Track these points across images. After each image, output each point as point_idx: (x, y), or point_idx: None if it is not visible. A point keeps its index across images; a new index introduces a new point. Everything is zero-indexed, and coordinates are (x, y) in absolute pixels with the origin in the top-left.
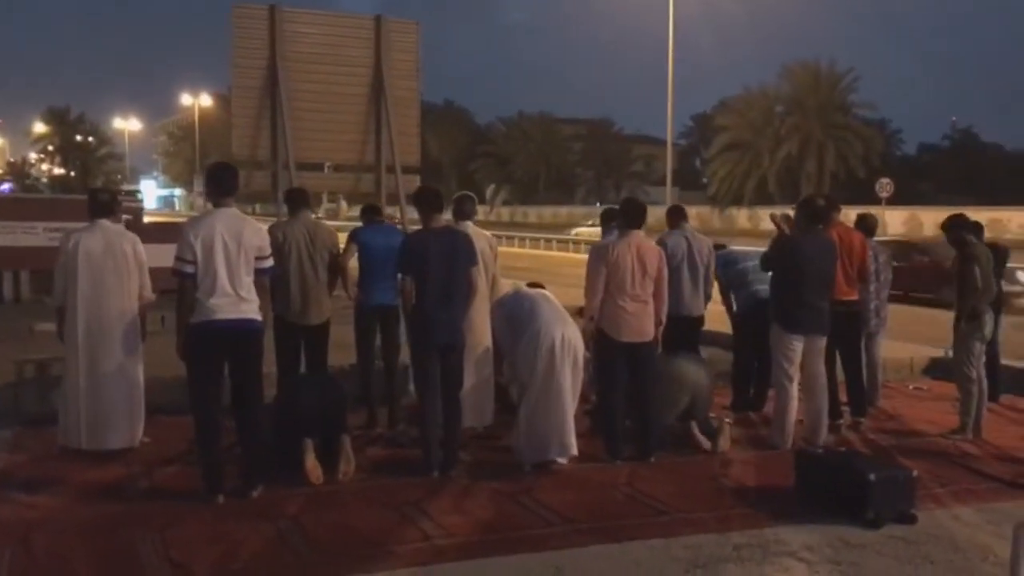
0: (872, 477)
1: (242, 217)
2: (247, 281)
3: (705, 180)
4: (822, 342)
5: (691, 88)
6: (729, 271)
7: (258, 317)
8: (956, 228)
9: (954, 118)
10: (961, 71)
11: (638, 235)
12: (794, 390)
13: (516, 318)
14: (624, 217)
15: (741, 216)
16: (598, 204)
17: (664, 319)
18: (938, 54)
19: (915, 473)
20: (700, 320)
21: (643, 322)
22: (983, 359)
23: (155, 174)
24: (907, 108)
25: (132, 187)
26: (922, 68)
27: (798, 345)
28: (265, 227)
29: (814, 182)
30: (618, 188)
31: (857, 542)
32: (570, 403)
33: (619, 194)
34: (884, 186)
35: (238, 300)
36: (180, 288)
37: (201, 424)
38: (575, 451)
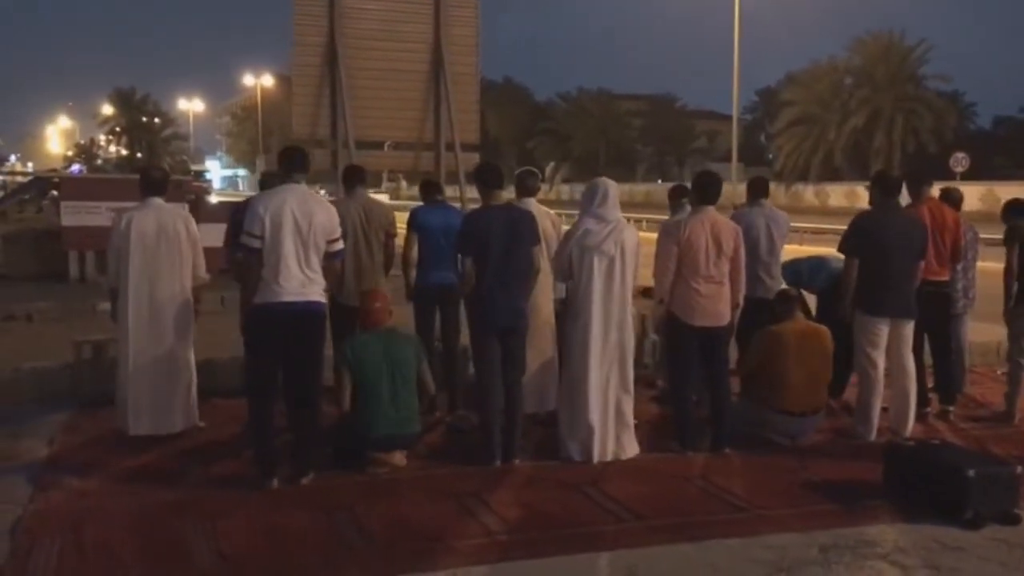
0: (971, 473)
1: (314, 196)
2: (315, 262)
3: (770, 156)
4: (910, 326)
5: (757, 62)
6: (802, 265)
7: (322, 299)
8: (1007, 212)
9: None
10: None
11: (712, 212)
12: (879, 377)
13: (574, 284)
14: (697, 192)
15: (808, 192)
16: (659, 181)
17: (741, 302)
18: (1015, 24)
19: (1020, 469)
20: None
21: (718, 305)
22: None
23: (219, 154)
24: (982, 80)
25: (200, 168)
26: (998, 38)
27: (883, 329)
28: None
29: (883, 157)
30: (680, 164)
31: (955, 544)
32: (597, 408)
33: (681, 170)
34: (959, 160)
35: (305, 281)
36: (246, 264)
37: (257, 408)
38: (596, 457)
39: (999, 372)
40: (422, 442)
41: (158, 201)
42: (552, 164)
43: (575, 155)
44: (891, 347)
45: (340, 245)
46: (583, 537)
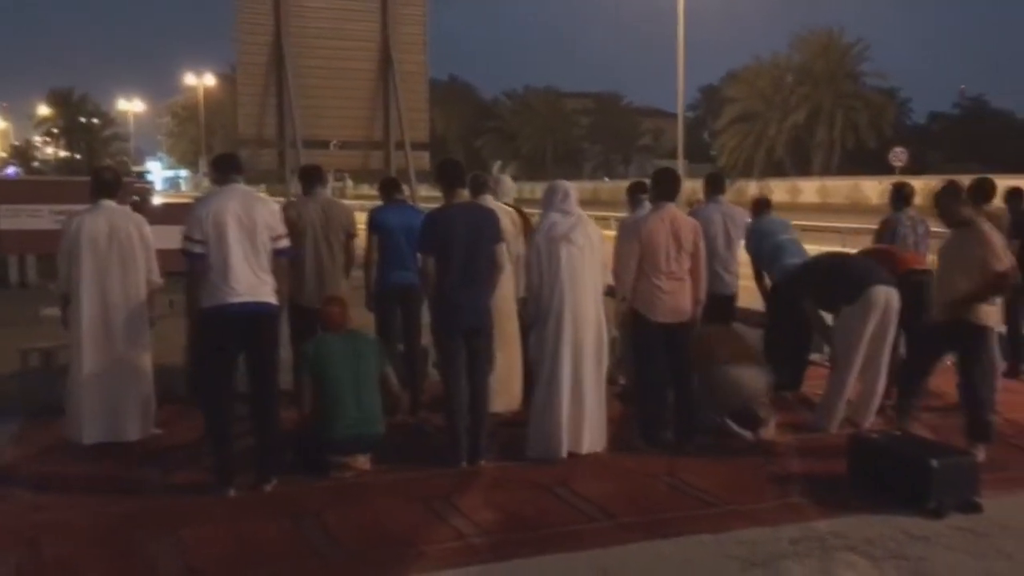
0: (934, 463)
1: (254, 194)
2: (264, 262)
3: (713, 152)
4: (895, 314)
5: (699, 60)
6: (764, 245)
7: (274, 300)
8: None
9: (963, 86)
10: (970, 40)
11: (672, 208)
12: (856, 372)
13: (541, 281)
14: (657, 188)
15: (751, 188)
16: (606, 179)
17: (703, 298)
18: (949, 23)
19: (980, 457)
20: (734, 298)
21: (680, 301)
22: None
23: (159, 155)
24: (917, 77)
25: (141, 169)
26: (933, 36)
27: (873, 317)
28: (278, 206)
29: (824, 152)
30: (626, 162)
31: (920, 534)
32: (568, 404)
33: (627, 168)
34: (898, 155)
35: (255, 282)
36: (189, 271)
37: (212, 414)
38: (564, 452)
39: (948, 362)
40: (387, 445)
41: (110, 203)
42: (499, 163)
43: (522, 153)
44: (874, 338)
45: (286, 242)
46: (555, 538)
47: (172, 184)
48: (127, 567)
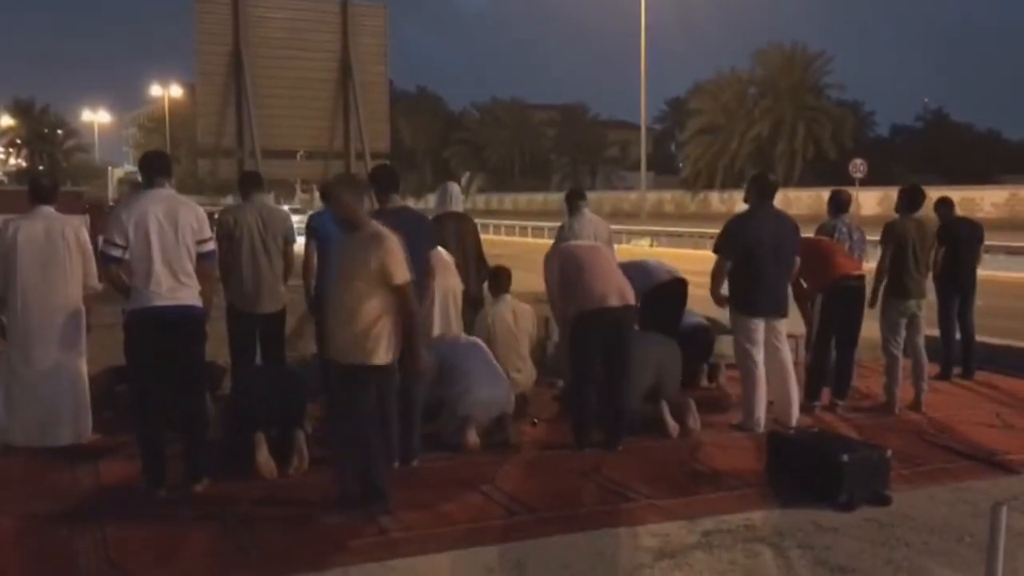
0: (845, 458)
1: (178, 198)
2: (187, 265)
3: (680, 164)
4: (783, 324)
5: (666, 72)
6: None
7: (198, 303)
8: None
9: (926, 99)
10: (932, 54)
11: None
12: (761, 372)
13: (448, 369)
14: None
15: (714, 199)
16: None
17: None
18: (914, 38)
19: (889, 453)
20: None
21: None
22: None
23: (126, 166)
24: (882, 90)
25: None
26: (897, 51)
27: (759, 324)
28: (202, 208)
29: (786, 163)
30: (593, 174)
31: (830, 525)
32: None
33: (594, 180)
34: (857, 166)
35: (176, 285)
36: (105, 273)
37: (140, 416)
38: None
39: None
40: (325, 449)
41: (47, 209)
42: (468, 174)
43: (491, 165)
44: (768, 343)
45: (211, 246)
46: (475, 532)
47: None
48: (48, 563)
